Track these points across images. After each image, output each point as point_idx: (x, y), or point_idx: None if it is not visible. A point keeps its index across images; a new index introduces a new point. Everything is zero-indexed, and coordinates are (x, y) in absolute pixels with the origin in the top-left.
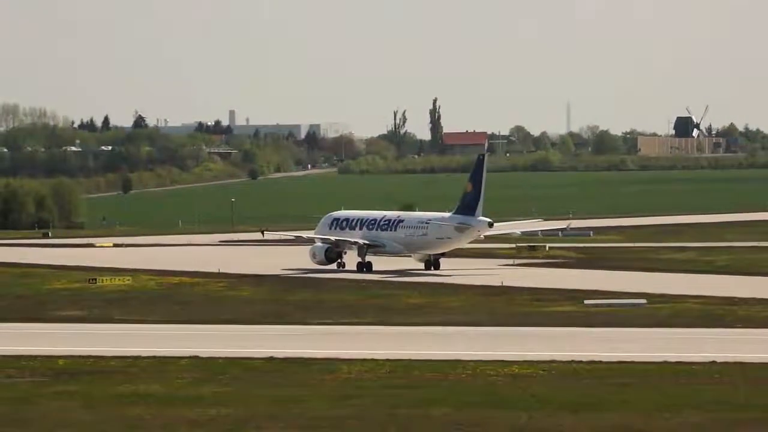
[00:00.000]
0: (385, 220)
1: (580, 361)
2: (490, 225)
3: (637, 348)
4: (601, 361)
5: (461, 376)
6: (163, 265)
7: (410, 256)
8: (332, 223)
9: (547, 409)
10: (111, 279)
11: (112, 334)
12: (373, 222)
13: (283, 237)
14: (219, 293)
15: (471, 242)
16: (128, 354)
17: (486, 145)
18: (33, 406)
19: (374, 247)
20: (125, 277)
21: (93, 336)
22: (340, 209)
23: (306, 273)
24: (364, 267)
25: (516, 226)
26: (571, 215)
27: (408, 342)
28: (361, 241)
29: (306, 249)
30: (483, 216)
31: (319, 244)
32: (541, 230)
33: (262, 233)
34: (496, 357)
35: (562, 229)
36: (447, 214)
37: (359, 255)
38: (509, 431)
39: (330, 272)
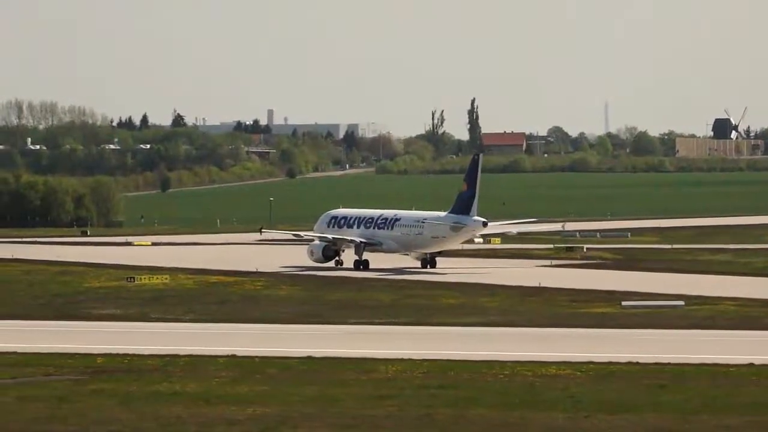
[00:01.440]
0: (382, 219)
1: (618, 363)
2: (485, 225)
3: (675, 350)
4: (638, 363)
5: (498, 377)
6: (200, 264)
7: (406, 255)
8: (330, 222)
9: (584, 410)
10: (149, 277)
11: (149, 333)
12: (370, 220)
13: (282, 235)
14: (256, 292)
15: (466, 241)
16: (165, 352)
17: (524, 145)
18: (71, 404)
19: (371, 246)
20: (163, 275)
21: (130, 334)
22: (338, 207)
23: (303, 270)
24: (361, 265)
25: (511, 227)
26: (609, 215)
27: (445, 342)
28: (358, 240)
29: None
30: (477, 215)
31: (316, 242)
32: (579, 231)
33: (260, 231)
34: (533, 357)
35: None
36: (442, 214)
37: (356, 253)
38: None
39: (330, 269)
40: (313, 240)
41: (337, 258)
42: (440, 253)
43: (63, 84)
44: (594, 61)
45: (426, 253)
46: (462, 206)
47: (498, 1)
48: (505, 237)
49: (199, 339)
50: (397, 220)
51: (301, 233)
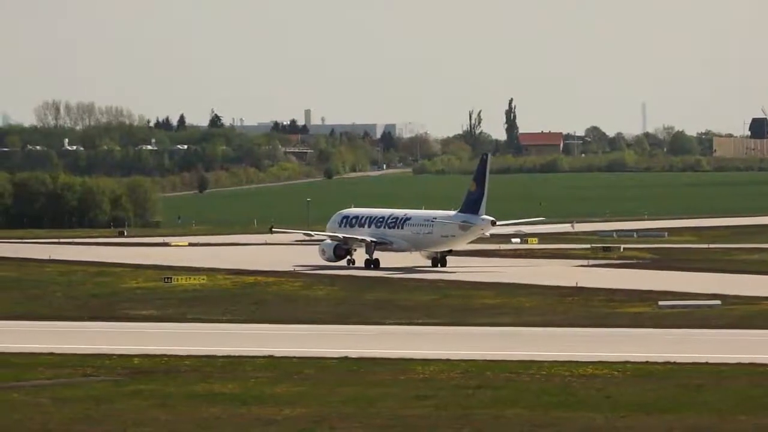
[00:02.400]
0: (392, 218)
1: (655, 362)
2: (493, 223)
3: (712, 349)
4: (675, 362)
5: (535, 377)
6: (238, 264)
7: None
8: (342, 221)
9: (621, 410)
10: (186, 278)
11: (186, 334)
12: (381, 220)
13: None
14: (294, 292)
15: (477, 240)
16: (203, 353)
17: (561, 145)
18: (108, 405)
19: (382, 245)
20: (200, 276)
21: (168, 335)
22: (350, 206)
23: (316, 270)
24: (372, 264)
25: (519, 226)
26: (646, 215)
27: (482, 342)
28: (368, 239)
29: None
30: (486, 215)
31: (328, 241)
32: (616, 231)
33: (271, 231)
34: (570, 357)
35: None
36: (452, 213)
37: (367, 252)
38: None
39: (342, 269)
40: (324, 239)
41: (348, 257)
42: (450, 252)
43: (100, 84)
44: (631, 60)
45: (436, 252)
46: (471, 205)
47: (536, 1)
48: (541, 237)
49: (237, 339)
50: (407, 219)
51: (312, 233)
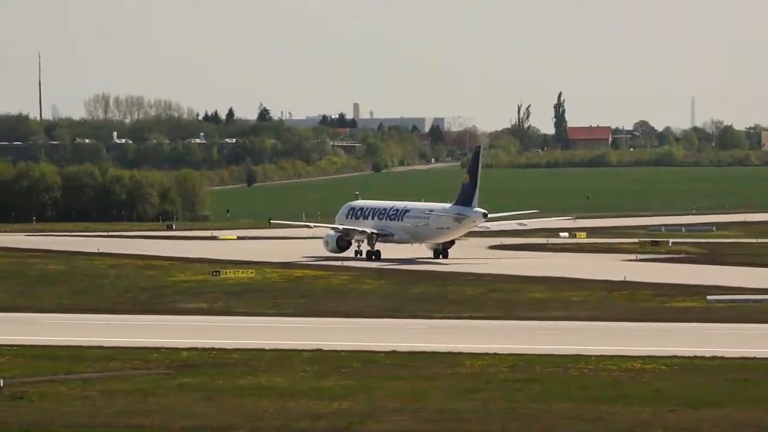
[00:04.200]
0: (393, 210)
1: (702, 357)
2: (485, 216)
3: (760, 344)
4: (723, 357)
5: (583, 371)
6: (286, 258)
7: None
8: (349, 213)
9: (668, 404)
10: (234, 271)
11: (234, 327)
12: (383, 212)
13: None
14: (342, 286)
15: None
16: (251, 347)
17: (610, 139)
18: (156, 399)
19: (384, 237)
20: (248, 269)
21: (216, 328)
22: (357, 199)
23: (320, 260)
24: (373, 255)
25: (513, 218)
26: (694, 209)
27: (530, 336)
28: (369, 230)
29: None
30: (479, 207)
31: (331, 233)
32: (665, 225)
33: (269, 222)
34: (618, 352)
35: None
36: (448, 205)
37: (368, 244)
38: (631, 426)
39: (350, 260)
40: (329, 232)
41: (357, 248)
42: (453, 244)
43: (149, 78)
44: (680, 55)
45: (438, 244)
46: (464, 198)
47: None
48: (590, 231)
49: (285, 333)
50: (406, 211)
51: (311, 224)
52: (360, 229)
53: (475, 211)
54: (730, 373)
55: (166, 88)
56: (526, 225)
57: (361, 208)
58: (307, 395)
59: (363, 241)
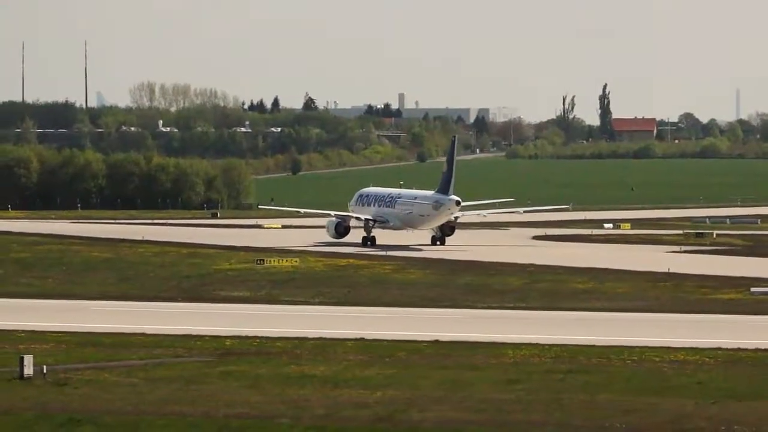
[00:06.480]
0: (389, 198)
1: (746, 349)
2: (458, 204)
3: None
4: (766, 349)
5: (627, 362)
6: (330, 247)
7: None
8: (358, 199)
9: (712, 396)
10: (278, 260)
11: (278, 315)
12: (382, 199)
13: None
14: (386, 275)
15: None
16: (295, 335)
17: (655, 131)
18: (200, 386)
19: (381, 223)
20: (293, 258)
21: (260, 317)
22: (369, 186)
23: (326, 246)
24: (369, 241)
25: (491, 206)
26: (739, 202)
27: (573, 327)
28: (362, 217)
29: None
30: (453, 194)
31: (333, 219)
32: (709, 217)
33: (257, 207)
34: (661, 343)
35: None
36: (430, 193)
37: (364, 230)
38: (675, 418)
39: (355, 246)
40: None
41: (365, 235)
42: (453, 231)
43: (195, 66)
44: (726, 47)
45: (437, 230)
46: (443, 186)
47: None
48: (635, 222)
49: (328, 322)
50: (399, 198)
51: (301, 210)
52: (354, 215)
53: (449, 199)
54: None
55: (211, 77)
56: (486, 216)
57: (367, 195)
58: (350, 384)
59: (372, 227)
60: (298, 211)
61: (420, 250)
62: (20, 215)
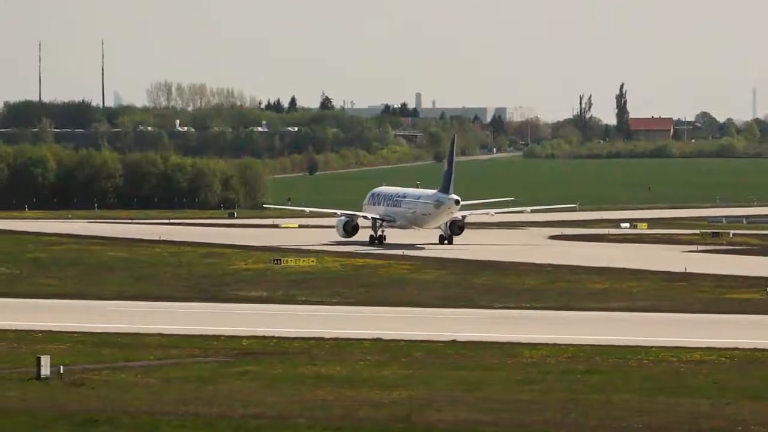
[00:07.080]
0: (397, 197)
1: (763, 349)
2: (457, 203)
3: None
4: None
5: (643, 362)
6: (347, 247)
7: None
8: (370, 198)
9: (728, 396)
10: (295, 260)
11: (295, 316)
12: (390, 198)
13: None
14: (403, 275)
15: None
16: (311, 335)
17: (671, 131)
18: (216, 386)
19: (389, 222)
20: (310, 258)
21: (276, 317)
22: (381, 185)
23: (337, 245)
24: (376, 240)
25: (490, 206)
26: (755, 202)
27: (589, 327)
28: (370, 216)
29: None
30: (453, 193)
31: (342, 218)
32: (726, 217)
33: (262, 206)
34: (677, 343)
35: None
36: (431, 192)
37: (372, 229)
38: (691, 418)
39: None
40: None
41: (372, 234)
42: (462, 230)
43: (212, 66)
44: (742, 46)
45: (445, 230)
46: (444, 185)
47: None
48: (651, 222)
49: (345, 322)
50: (405, 197)
51: (307, 209)
52: (362, 214)
53: (449, 198)
54: None
55: (228, 77)
56: (493, 215)
57: (379, 194)
58: (367, 384)
59: (381, 227)
60: (303, 210)
61: (422, 248)
62: (37, 215)
